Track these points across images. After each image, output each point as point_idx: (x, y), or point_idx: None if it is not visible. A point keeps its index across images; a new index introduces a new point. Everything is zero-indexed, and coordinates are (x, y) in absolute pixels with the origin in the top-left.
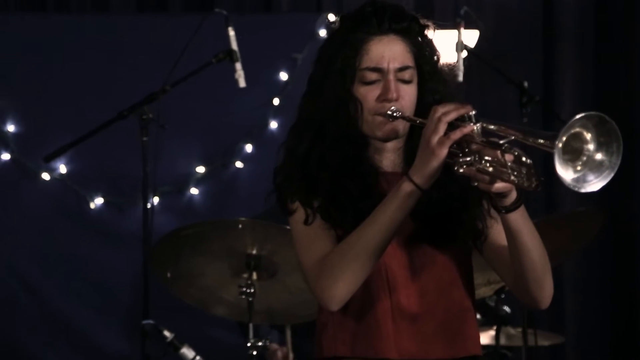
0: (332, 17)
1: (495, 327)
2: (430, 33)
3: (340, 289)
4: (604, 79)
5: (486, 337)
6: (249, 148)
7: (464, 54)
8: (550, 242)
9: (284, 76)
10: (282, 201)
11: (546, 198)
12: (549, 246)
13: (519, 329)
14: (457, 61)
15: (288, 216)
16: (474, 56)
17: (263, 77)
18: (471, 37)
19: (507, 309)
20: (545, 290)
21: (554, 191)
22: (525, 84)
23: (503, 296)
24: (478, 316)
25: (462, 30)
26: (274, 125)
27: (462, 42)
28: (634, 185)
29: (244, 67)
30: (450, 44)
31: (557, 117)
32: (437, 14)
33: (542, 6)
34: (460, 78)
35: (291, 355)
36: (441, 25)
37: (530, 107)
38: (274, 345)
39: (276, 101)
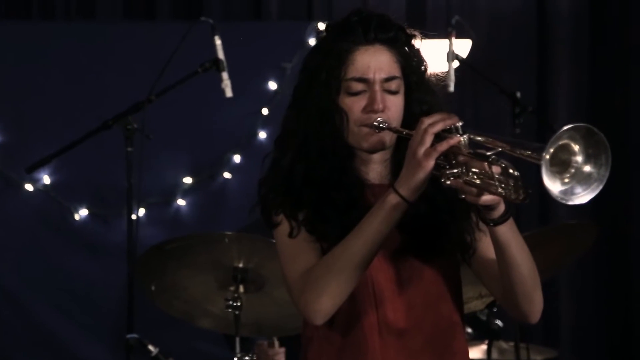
0: (322, 26)
1: (487, 342)
2: (417, 42)
3: (325, 302)
4: (599, 88)
5: (478, 352)
6: (237, 159)
7: (456, 63)
8: (544, 255)
9: (273, 85)
10: (266, 213)
11: (539, 210)
12: (542, 259)
13: (511, 344)
14: (449, 71)
15: (272, 229)
16: (466, 66)
17: (252, 86)
18: (463, 46)
19: (499, 322)
20: (534, 305)
21: (548, 203)
22: (518, 94)
23: (495, 310)
24: (469, 330)
25: (454, 39)
26: (262, 135)
27: (453, 52)
28: (629, 195)
29: (233, 76)
30: (441, 54)
31: (550, 128)
32: (429, 23)
33: (536, 15)
34: (452, 88)
35: (282, 350)
36: (432, 34)
37: (523, 118)
38: (262, 342)
39: (265, 111)
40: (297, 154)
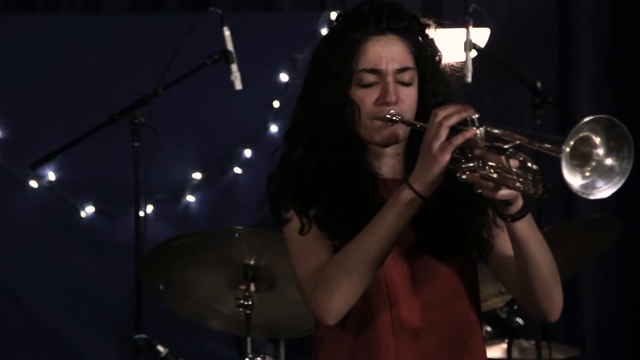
0: (334, 16)
1: (507, 340)
2: (431, 32)
3: (338, 302)
4: (622, 78)
5: (498, 351)
6: (247, 153)
7: (473, 53)
8: (565, 251)
9: (284, 77)
10: (276, 210)
11: (562, 205)
12: (563, 255)
13: (532, 342)
14: (466, 61)
15: (282, 225)
16: (485, 56)
17: (263, 78)
18: (481, 35)
19: (519, 320)
20: (554, 302)
21: (570, 198)
22: (539, 84)
23: (515, 307)
24: (488, 328)
25: (471, 28)
26: (274, 129)
27: (470, 41)
28: None
29: (243, 68)
30: (459, 43)
31: (571, 119)
32: (445, 12)
33: (557, 2)
34: (469, 79)
35: None
36: (448, 24)
37: (544, 109)
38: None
39: (276, 104)
40: (308, 148)
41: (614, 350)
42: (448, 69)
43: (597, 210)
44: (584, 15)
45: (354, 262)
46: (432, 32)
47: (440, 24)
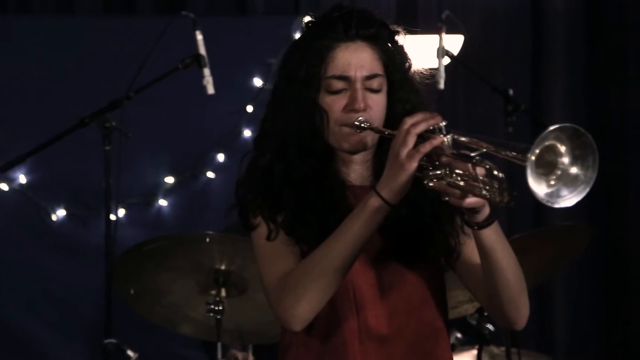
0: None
1: (477, 347)
2: (401, 39)
3: (304, 308)
4: (595, 87)
5: (468, 357)
6: (220, 157)
7: (446, 60)
8: (537, 257)
9: (258, 82)
10: (244, 215)
11: (534, 212)
12: (535, 261)
13: (503, 349)
14: (439, 68)
15: (250, 231)
16: (457, 62)
17: (236, 82)
18: (455, 42)
19: (490, 327)
20: (520, 311)
21: (542, 205)
22: (511, 91)
23: (486, 314)
24: (459, 335)
25: (444, 35)
26: (247, 133)
27: (443, 48)
28: (626, 197)
29: (216, 72)
30: (432, 50)
31: (544, 126)
32: (420, 19)
33: (531, 11)
34: (442, 85)
35: (251, 358)
36: (420, 30)
37: (516, 116)
38: (234, 351)
39: (250, 108)
40: (276, 154)
41: (585, 357)
42: (417, 76)
43: (569, 218)
44: (558, 24)
45: (320, 269)
46: (402, 39)
47: (411, 31)
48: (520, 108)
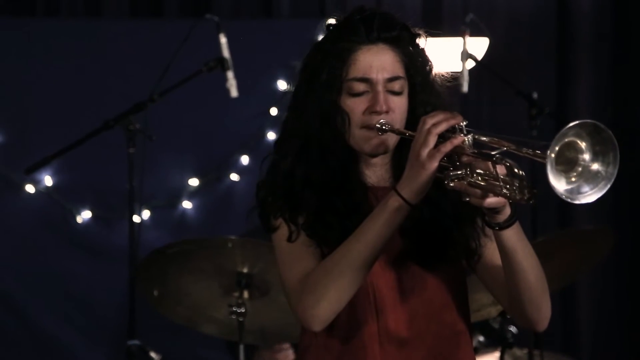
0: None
1: (500, 349)
2: (422, 42)
3: (324, 308)
4: (621, 89)
5: None
6: (245, 160)
7: (470, 63)
8: (560, 260)
9: (282, 85)
10: (264, 217)
11: (559, 214)
12: (557, 264)
13: (526, 351)
14: (462, 71)
15: (271, 233)
16: (481, 66)
17: (261, 85)
18: (480, 45)
19: (513, 329)
20: (542, 312)
21: (567, 207)
22: (535, 95)
23: (508, 316)
24: (481, 338)
25: (469, 38)
26: (271, 136)
27: (467, 51)
28: None
29: (241, 75)
30: (456, 53)
31: None
32: (445, 22)
33: (556, 13)
34: (466, 88)
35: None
36: (439, 33)
37: (540, 119)
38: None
39: (274, 111)
40: (297, 157)
41: (609, 359)
42: (439, 79)
43: (593, 219)
44: (584, 26)
45: (340, 269)
46: (423, 42)
47: (432, 34)
48: (545, 111)
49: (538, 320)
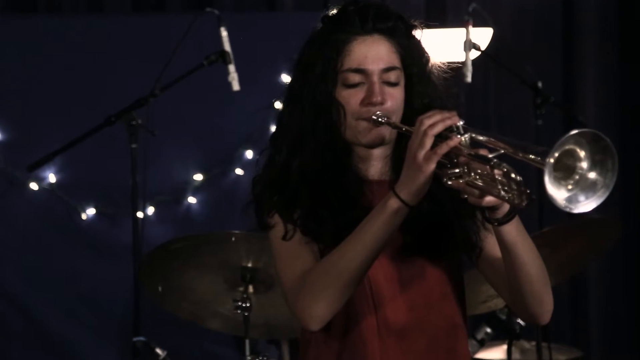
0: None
1: (507, 342)
2: (418, 33)
3: (322, 308)
4: (628, 79)
5: (499, 352)
6: (249, 154)
7: (474, 53)
8: (566, 251)
9: (285, 78)
10: (259, 214)
11: None
12: (564, 255)
13: (534, 343)
14: (466, 61)
15: (266, 231)
16: (485, 56)
17: (264, 78)
18: (483, 35)
19: (520, 321)
20: (544, 305)
21: None
22: (540, 84)
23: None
24: (488, 330)
25: (472, 28)
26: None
27: (470, 41)
28: None
29: (244, 69)
30: (460, 43)
31: (576, 120)
32: (449, 12)
33: (562, 2)
34: (469, 79)
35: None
36: (436, 24)
37: (547, 109)
38: None
39: (278, 104)
40: (292, 150)
41: (620, 351)
42: (436, 71)
43: (601, 210)
44: (589, 15)
45: (338, 270)
46: (419, 33)
47: (430, 25)
48: (550, 100)
49: (540, 313)
